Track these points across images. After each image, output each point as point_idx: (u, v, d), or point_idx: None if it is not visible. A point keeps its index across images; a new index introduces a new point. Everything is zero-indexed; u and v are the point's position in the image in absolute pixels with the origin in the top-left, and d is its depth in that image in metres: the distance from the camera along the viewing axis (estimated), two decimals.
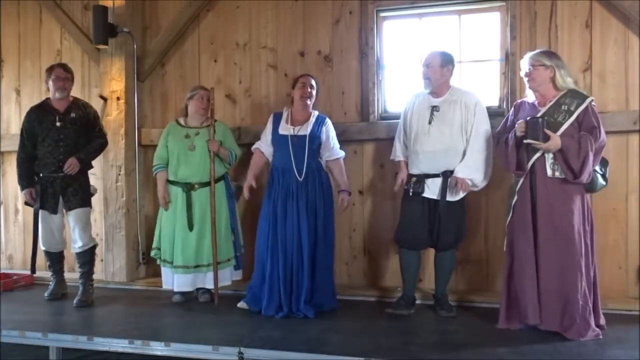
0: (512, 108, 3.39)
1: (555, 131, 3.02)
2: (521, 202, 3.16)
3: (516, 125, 3.14)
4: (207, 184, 3.82)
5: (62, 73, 3.91)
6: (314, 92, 3.73)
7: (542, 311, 3.09)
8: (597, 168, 3.14)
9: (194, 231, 3.83)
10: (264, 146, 3.80)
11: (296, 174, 3.60)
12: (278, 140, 3.70)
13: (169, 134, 3.95)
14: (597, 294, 3.15)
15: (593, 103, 3.10)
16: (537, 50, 3.28)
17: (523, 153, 3.15)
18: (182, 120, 3.98)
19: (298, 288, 3.54)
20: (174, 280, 3.88)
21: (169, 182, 3.90)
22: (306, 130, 3.65)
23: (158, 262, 3.98)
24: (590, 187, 3.12)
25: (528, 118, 3.07)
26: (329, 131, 3.72)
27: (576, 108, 3.06)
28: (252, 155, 3.89)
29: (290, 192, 3.60)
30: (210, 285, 3.88)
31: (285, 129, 3.69)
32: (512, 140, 3.16)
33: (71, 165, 3.82)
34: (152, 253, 4.01)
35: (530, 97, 3.26)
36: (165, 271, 3.94)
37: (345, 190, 3.75)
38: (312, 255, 3.59)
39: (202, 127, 3.91)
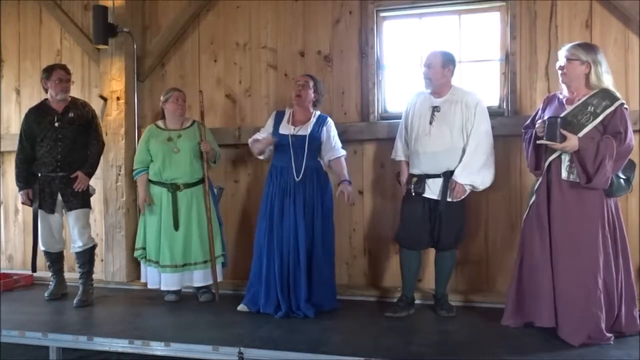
0: (542, 101, 3.27)
1: (576, 133, 2.89)
2: (538, 203, 3.10)
3: (536, 126, 3.08)
4: (192, 184, 3.89)
5: (64, 75, 3.91)
6: (310, 92, 3.68)
7: (558, 315, 3.00)
8: (619, 172, 2.99)
9: (180, 230, 3.85)
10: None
11: (294, 174, 3.60)
12: (278, 139, 3.69)
13: (149, 137, 3.94)
14: (622, 299, 3.00)
15: (625, 106, 2.93)
16: (575, 43, 3.08)
17: (542, 153, 3.09)
18: (161, 124, 4.00)
19: (295, 287, 3.54)
20: (160, 280, 3.89)
21: (152, 182, 3.92)
22: (306, 130, 3.64)
23: (142, 262, 3.98)
24: (610, 191, 2.96)
25: (546, 117, 3.01)
26: (330, 131, 3.71)
27: (603, 110, 2.90)
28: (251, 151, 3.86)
29: (288, 191, 3.60)
30: (198, 283, 3.93)
31: (285, 129, 3.68)
32: (532, 139, 3.10)
33: (81, 182, 3.86)
34: (137, 254, 4.00)
35: (565, 91, 3.11)
36: (150, 271, 3.94)
37: (346, 180, 3.66)
38: (310, 255, 3.58)
39: (183, 129, 3.94)
